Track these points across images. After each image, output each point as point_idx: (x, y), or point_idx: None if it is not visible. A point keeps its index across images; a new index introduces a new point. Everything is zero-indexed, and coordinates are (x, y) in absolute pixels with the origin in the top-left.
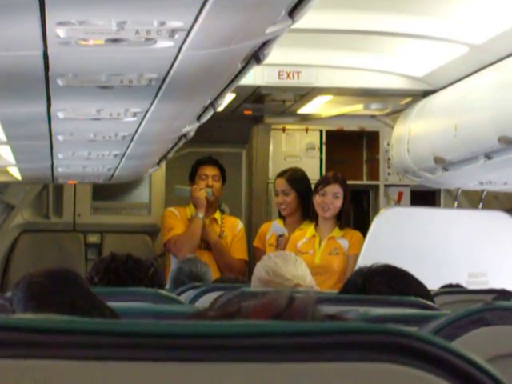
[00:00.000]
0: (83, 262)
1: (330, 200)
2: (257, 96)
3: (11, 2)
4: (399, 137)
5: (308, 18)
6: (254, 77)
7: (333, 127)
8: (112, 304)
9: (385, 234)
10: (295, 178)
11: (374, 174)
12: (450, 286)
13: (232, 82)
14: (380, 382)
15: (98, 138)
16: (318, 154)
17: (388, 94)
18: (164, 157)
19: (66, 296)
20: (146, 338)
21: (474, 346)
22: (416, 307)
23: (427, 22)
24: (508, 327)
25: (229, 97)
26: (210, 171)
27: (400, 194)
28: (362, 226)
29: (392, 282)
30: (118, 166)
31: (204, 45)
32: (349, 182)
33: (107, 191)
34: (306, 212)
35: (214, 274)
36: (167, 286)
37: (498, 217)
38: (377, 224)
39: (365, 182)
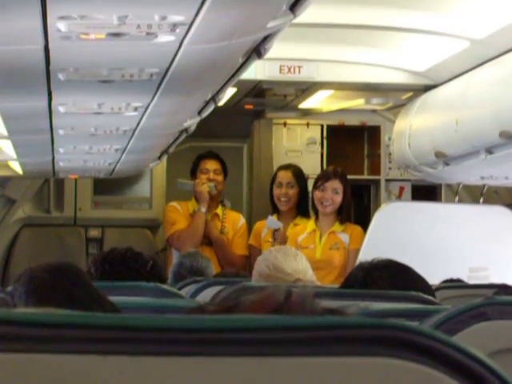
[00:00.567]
0: (84, 257)
1: (330, 195)
2: (258, 90)
3: None
4: (400, 131)
5: (309, 13)
6: (255, 71)
7: (334, 122)
8: (113, 298)
9: (386, 228)
10: (299, 172)
11: (375, 168)
12: (451, 280)
13: (233, 76)
14: (381, 377)
15: (99, 132)
16: (319, 149)
17: (389, 89)
18: (165, 151)
19: (67, 290)
20: (146, 333)
21: (475, 340)
22: (417, 302)
23: (428, 16)
24: (509, 322)
25: (230, 91)
26: (211, 165)
27: (401, 189)
28: (363, 221)
29: (393, 276)
30: (119, 160)
31: (205, 39)
32: (350, 177)
33: (108, 185)
34: (302, 208)
35: (214, 268)
36: (169, 281)
37: (498, 212)
38: (378, 219)
39: (366, 176)
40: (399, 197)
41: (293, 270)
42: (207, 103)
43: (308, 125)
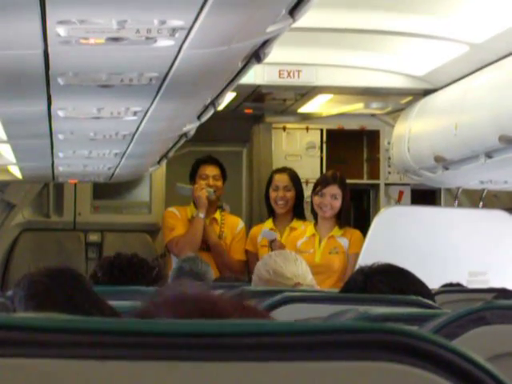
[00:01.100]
0: (84, 261)
1: (329, 201)
2: (257, 95)
3: (12, 0)
4: (400, 136)
5: (308, 17)
6: (255, 76)
7: (333, 126)
8: (114, 303)
9: (385, 232)
10: (295, 176)
11: (374, 172)
12: (451, 284)
13: (232, 80)
14: (381, 381)
15: (98, 136)
16: (319, 153)
17: (388, 93)
18: (164, 156)
19: (67, 295)
20: (145, 337)
21: (475, 344)
22: (416, 306)
23: (428, 20)
24: (508, 326)
25: (229, 96)
26: (211, 171)
27: (400, 193)
28: (363, 225)
29: (393, 280)
30: (119, 164)
31: (204, 44)
32: (349, 181)
33: (108, 190)
34: (298, 211)
35: (214, 273)
36: None
37: (498, 216)
38: (377, 223)
39: (365, 180)
40: (398, 201)
41: (292, 274)
42: (206, 108)
43: (307, 129)
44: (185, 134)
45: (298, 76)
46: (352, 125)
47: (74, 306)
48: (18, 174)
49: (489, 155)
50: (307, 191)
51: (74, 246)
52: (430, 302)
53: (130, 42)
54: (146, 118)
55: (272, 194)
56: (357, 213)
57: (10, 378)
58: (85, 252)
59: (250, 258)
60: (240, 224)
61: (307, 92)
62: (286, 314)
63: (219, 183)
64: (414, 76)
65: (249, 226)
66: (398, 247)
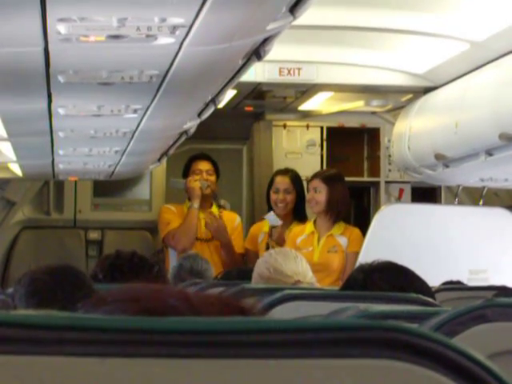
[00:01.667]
0: (84, 259)
1: (312, 195)
2: (258, 92)
3: None
4: (400, 133)
5: (309, 15)
6: (255, 73)
7: (334, 124)
8: None
9: (386, 230)
10: (297, 178)
11: (374, 170)
12: (451, 282)
13: (233, 78)
14: (381, 379)
15: (98, 134)
16: (319, 151)
17: (389, 91)
18: (165, 153)
19: (67, 292)
20: (145, 335)
21: (475, 342)
22: (417, 304)
23: (428, 18)
24: (508, 324)
25: (230, 93)
26: (204, 166)
27: (401, 191)
28: (363, 223)
29: (393, 278)
30: (119, 162)
31: (205, 41)
32: (349, 179)
33: (108, 188)
34: (298, 214)
35: (214, 269)
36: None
37: (498, 213)
38: (378, 221)
39: (366, 178)
40: (399, 199)
41: (292, 272)
42: (207, 105)
43: (308, 127)
44: (185, 132)
45: (299, 74)
46: (352, 122)
47: (74, 304)
48: (19, 172)
49: (489, 153)
50: (305, 191)
51: (74, 244)
52: (430, 299)
53: (130, 40)
54: (147, 115)
55: (272, 196)
56: (357, 210)
57: (11, 376)
58: (85, 249)
59: (250, 257)
60: (237, 219)
61: (307, 89)
62: (286, 312)
63: (213, 178)
64: (415, 74)
65: (249, 223)
66: (399, 245)
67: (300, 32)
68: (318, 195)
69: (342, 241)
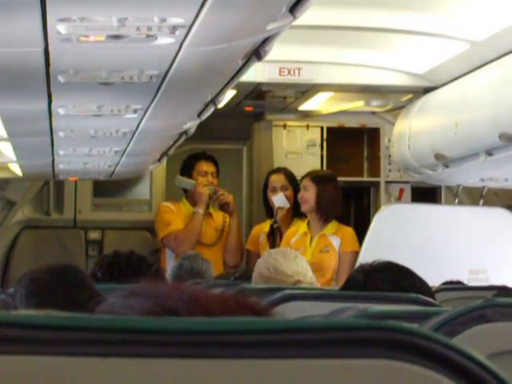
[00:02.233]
0: (84, 259)
1: (302, 194)
2: (257, 93)
3: None
4: (400, 133)
5: (309, 15)
6: (255, 73)
7: (334, 124)
8: None
9: (386, 230)
10: (291, 175)
11: (374, 170)
12: (451, 282)
13: (233, 78)
14: (381, 379)
15: (98, 134)
16: (319, 151)
17: (389, 91)
18: (165, 153)
19: (68, 292)
20: (146, 335)
21: (475, 342)
22: (417, 304)
23: (428, 18)
24: (508, 324)
25: (229, 93)
26: (209, 168)
27: (401, 191)
28: (363, 223)
29: (393, 278)
30: (119, 162)
31: (205, 41)
32: (350, 179)
33: (108, 188)
34: (297, 210)
35: (214, 270)
36: None
37: (498, 213)
38: (378, 221)
39: (366, 178)
40: (399, 199)
41: (293, 271)
42: (207, 105)
43: (308, 127)
44: (185, 132)
45: (299, 74)
46: (352, 122)
47: (74, 303)
48: (19, 172)
49: (489, 153)
50: None
51: (74, 244)
52: (430, 299)
53: (130, 40)
54: (147, 115)
55: (270, 196)
56: (357, 210)
57: (11, 376)
58: (85, 250)
59: (251, 258)
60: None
61: (307, 90)
62: (286, 312)
63: (216, 181)
64: (415, 74)
65: (249, 223)
66: (399, 245)
67: (300, 32)
68: (306, 193)
69: (335, 241)
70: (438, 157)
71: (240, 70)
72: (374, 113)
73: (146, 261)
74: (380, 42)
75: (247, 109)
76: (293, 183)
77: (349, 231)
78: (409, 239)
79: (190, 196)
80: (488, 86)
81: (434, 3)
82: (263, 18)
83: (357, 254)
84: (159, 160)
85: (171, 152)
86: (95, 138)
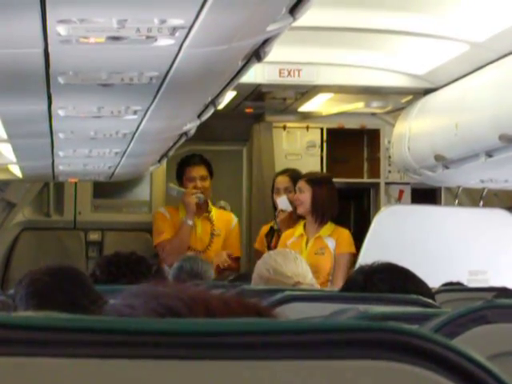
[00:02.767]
0: (84, 260)
1: (297, 196)
2: (257, 94)
3: (12, 0)
4: (400, 135)
5: (309, 16)
6: (255, 75)
7: (334, 125)
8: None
9: (386, 231)
10: (297, 176)
11: (374, 171)
12: (451, 283)
13: (233, 79)
14: (381, 380)
15: (98, 135)
16: (319, 152)
17: (389, 92)
18: (165, 155)
19: (67, 294)
20: (146, 336)
21: (475, 343)
22: (417, 305)
23: (428, 20)
24: (508, 325)
25: (229, 95)
26: (197, 172)
27: (401, 192)
28: (363, 224)
29: (393, 279)
30: (119, 163)
31: (205, 43)
32: (349, 180)
33: (108, 189)
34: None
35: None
36: None
37: (498, 215)
38: (378, 222)
39: (365, 179)
40: (399, 200)
41: (292, 273)
42: (207, 107)
43: (308, 128)
44: (185, 133)
45: (299, 75)
46: (352, 124)
47: (74, 305)
48: (19, 173)
49: (489, 154)
50: None
51: (74, 245)
52: (430, 300)
53: (130, 41)
54: (147, 117)
55: (274, 197)
56: (357, 212)
57: (10, 377)
58: (85, 251)
59: (258, 257)
60: (234, 220)
61: (307, 91)
62: (286, 313)
63: (206, 183)
64: (415, 75)
65: (249, 224)
66: (399, 246)
67: (300, 33)
68: (301, 195)
69: (330, 242)
70: (438, 158)
71: (240, 71)
72: (373, 114)
73: (145, 261)
74: (380, 43)
75: (247, 110)
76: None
77: (344, 233)
78: (409, 240)
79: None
80: (488, 87)
81: (433, 4)
82: (263, 19)
83: (352, 255)
84: (159, 161)
85: (171, 153)
86: (95, 139)
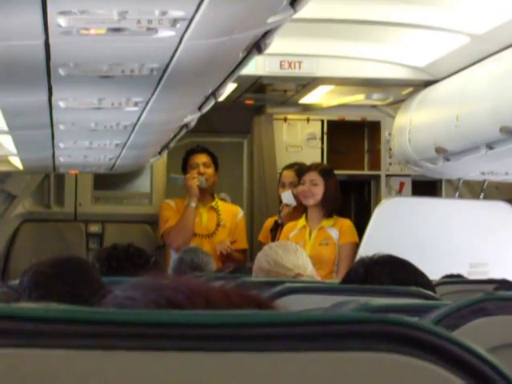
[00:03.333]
0: (84, 252)
1: (308, 187)
2: (258, 86)
3: None
4: (401, 127)
5: (309, 8)
6: (256, 66)
7: (334, 117)
8: None
9: (386, 224)
10: (303, 171)
11: (375, 164)
12: (451, 276)
13: (233, 71)
14: (381, 372)
15: (99, 127)
16: (320, 144)
17: (389, 84)
18: (165, 146)
19: (69, 285)
20: (146, 328)
21: (475, 335)
22: (417, 297)
23: (429, 12)
24: (508, 317)
25: (230, 86)
26: (200, 159)
27: (401, 184)
28: (364, 216)
29: (393, 271)
30: (120, 155)
31: (205, 34)
32: (350, 172)
33: (108, 181)
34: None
35: (215, 263)
36: None
37: (499, 207)
38: (378, 214)
39: (366, 172)
40: (399, 192)
41: (293, 265)
42: (207, 98)
43: (308, 120)
44: (186, 125)
45: (299, 67)
46: (353, 116)
47: (75, 296)
48: (19, 165)
49: (490, 146)
50: None
51: (74, 237)
52: (430, 292)
53: (130, 33)
54: (147, 108)
55: (280, 191)
56: (358, 204)
57: (10, 369)
58: (85, 243)
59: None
60: (240, 212)
61: (308, 83)
62: (286, 305)
63: (210, 170)
64: (415, 67)
65: (250, 216)
66: (399, 238)
67: (301, 25)
68: (315, 188)
69: (333, 233)
70: (439, 150)
71: (241, 63)
72: (374, 106)
73: (144, 253)
74: (381, 35)
75: (248, 102)
76: None
77: (347, 223)
78: (409, 233)
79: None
80: (489, 79)
81: None
82: (264, 11)
83: (356, 245)
84: (160, 153)
85: (172, 145)
86: (96, 130)
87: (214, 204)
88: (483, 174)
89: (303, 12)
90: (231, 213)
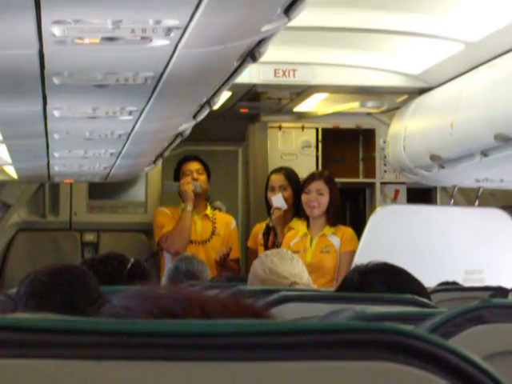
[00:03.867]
0: (79, 261)
1: (314, 197)
2: (253, 94)
3: (7, 0)
4: (395, 134)
5: (304, 16)
6: (250, 75)
7: (329, 125)
8: None
9: (381, 231)
10: (291, 174)
11: (370, 171)
12: (447, 283)
13: (228, 80)
14: (377, 381)
15: (93, 136)
16: (314, 152)
17: (384, 92)
18: (160, 155)
19: (66, 295)
20: (140, 337)
21: (471, 343)
22: (413, 305)
23: (423, 19)
24: (504, 325)
25: (225, 95)
26: (193, 166)
27: (396, 192)
28: (359, 224)
29: (389, 279)
30: (114, 164)
31: (200, 43)
32: (345, 180)
33: (103, 190)
34: (297, 210)
35: (210, 271)
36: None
37: (494, 214)
38: (373, 222)
39: (361, 179)
40: (394, 200)
41: (289, 273)
42: (202, 107)
43: (303, 128)
44: (180, 134)
45: (294, 75)
46: (348, 124)
47: (73, 306)
48: (14, 174)
49: (485, 153)
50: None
51: (69, 246)
52: (426, 300)
53: (125, 42)
54: (142, 117)
55: (269, 195)
56: (353, 211)
57: (6, 379)
58: (81, 252)
59: (251, 256)
60: (233, 222)
61: (303, 91)
62: (282, 313)
63: (203, 177)
64: (410, 74)
65: (245, 225)
66: (394, 246)
67: (295, 33)
68: (321, 198)
69: (335, 241)
70: (434, 157)
71: (235, 72)
72: (369, 114)
73: (122, 257)
74: (375, 43)
75: (242, 110)
76: (293, 183)
77: (348, 231)
78: (404, 240)
79: (183, 199)
80: (483, 86)
81: (428, 4)
82: (258, 19)
83: None
84: (154, 162)
85: (166, 154)
86: (90, 140)
87: (208, 212)
88: (478, 181)
89: (297, 20)
90: (224, 222)
